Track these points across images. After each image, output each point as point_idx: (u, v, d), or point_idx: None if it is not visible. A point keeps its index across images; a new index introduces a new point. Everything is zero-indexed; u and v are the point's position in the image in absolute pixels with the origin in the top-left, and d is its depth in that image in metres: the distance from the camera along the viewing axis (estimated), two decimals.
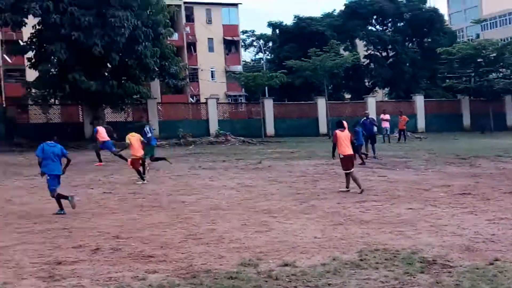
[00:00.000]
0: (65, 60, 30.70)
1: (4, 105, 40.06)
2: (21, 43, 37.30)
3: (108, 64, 33.51)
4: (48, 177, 11.51)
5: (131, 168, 16.52)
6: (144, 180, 15.99)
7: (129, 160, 16.69)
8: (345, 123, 14.67)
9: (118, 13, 29.98)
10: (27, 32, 35.52)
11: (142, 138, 16.74)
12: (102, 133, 22.23)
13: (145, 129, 18.51)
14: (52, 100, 35.93)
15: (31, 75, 38.42)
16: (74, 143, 30.18)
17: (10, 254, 8.06)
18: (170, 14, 35.54)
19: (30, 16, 31.17)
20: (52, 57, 31.50)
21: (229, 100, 57.37)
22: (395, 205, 11.85)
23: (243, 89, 55.53)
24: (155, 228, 9.80)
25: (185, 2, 57.84)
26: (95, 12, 30.33)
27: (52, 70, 32.90)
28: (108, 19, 29.99)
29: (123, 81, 33.26)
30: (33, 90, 34.53)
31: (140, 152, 16.23)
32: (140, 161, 16.51)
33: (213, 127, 38.11)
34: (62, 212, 11.29)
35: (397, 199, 12.57)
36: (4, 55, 50.74)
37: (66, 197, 11.43)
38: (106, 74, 33.97)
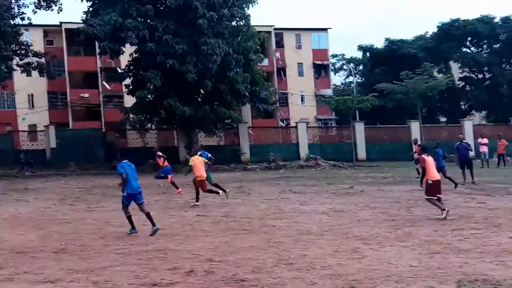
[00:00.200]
0: (160, 86, 31.79)
1: (104, 130, 42.14)
2: (119, 71, 39.09)
3: (201, 90, 34.37)
4: (126, 195, 11.73)
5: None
6: (197, 202, 16.33)
7: (197, 181, 16.59)
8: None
9: (211, 40, 30.81)
10: (124, 60, 37.29)
11: (206, 160, 16.96)
12: (163, 159, 22.55)
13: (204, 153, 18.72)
14: (149, 125, 37.27)
15: (129, 101, 40.14)
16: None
17: (108, 275, 8.30)
18: (260, 41, 36.11)
19: (127, 45, 32.62)
20: (148, 84, 32.70)
21: (319, 123, 57.19)
22: (495, 233, 11.18)
23: (333, 113, 55.18)
24: (247, 252, 9.79)
25: (275, 28, 58.63)
26: (189, 40, 31.30)
27: (148, 96, 34.13)
28: (201, 46, 30.86)
29: (215, 106, 33.98)
30: (131, 116, 36.06)
31: (204, 174, 16.39)
32: (207, 184, 16.66)
33: (303, 151, 38.04)
34: (134, 232, 11.69)
35: (498, 227, 11.86)
36: (104, 82, 53.53)
37: (131, 221, 11.78)
38: (199, 99, 34.87)
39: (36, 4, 35.16)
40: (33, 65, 36.67)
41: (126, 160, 11.87)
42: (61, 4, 35.67)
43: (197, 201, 16.43)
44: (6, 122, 49.63)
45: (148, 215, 11.72)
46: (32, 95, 55.08)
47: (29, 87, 53.02)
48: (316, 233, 11.66)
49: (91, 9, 33.34)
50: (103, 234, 11.94)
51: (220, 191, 16.84)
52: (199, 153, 17.97)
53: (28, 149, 37.02)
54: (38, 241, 11.27)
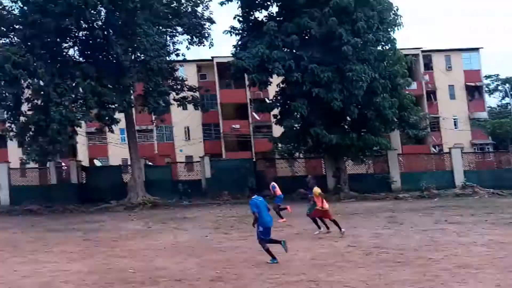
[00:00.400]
0: (307, 115, 32.07)
1: (254, 159, 43.36)
2: (267, 101, 40.06)
3: (347, 117, 34.13)
4: (262, 229, 11.99)
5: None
6: (321, 228, 16.46)
7: (315, 211, 16.67)
8: None
9: (356, 67, 30.59)
10: (272, 90, 38.27)
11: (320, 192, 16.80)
12: (278, 188, 22.32)
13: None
14: (297, 153, 37.66)
15: (277, 130, 40.98)
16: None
17: None
18: (407, 64, 35.14)
19: (275, 75, 33.45)
20: (295, 113, 33.11)
21: (474, 149, 53.93)
22: None
23: (489, 137, 51.90)
24: (401, 285, 9.44)
25: (422, 51, 56.79)
26: (334, 67, 31.31)
27: (296, 125, 34.54)
28: (346, 73, 30.75)
29: (362, 133, 33.52)
30: (279, 145, 36.74)
31: (326, 205, 16.43)
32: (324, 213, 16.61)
33: (459, 178, 35.96)
34: (275, 262, 11.80)
35: None
36: (253, 113, 55.34)
37: (278, 242, 12.01)
38: (346, 127, 34.63)
39: (189, 41, 37.49)
40: (188, 99, 38.96)
41: (257, 195, 12.40)
42: (212, 39, 37.72)
43: (319, 227, 16.52)
44: (166, 154, 53.19)
45: (267, 250, 12.00)
46: (188, 127, 58.47)
47: (185, 120, 56.41)
48: (476, 266, 10.95)
49: (239, 42, 34.83)
50: (256, 263, 12.17)
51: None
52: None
53: (185, 179, 39.11)
54: (195, 269, 11.80)
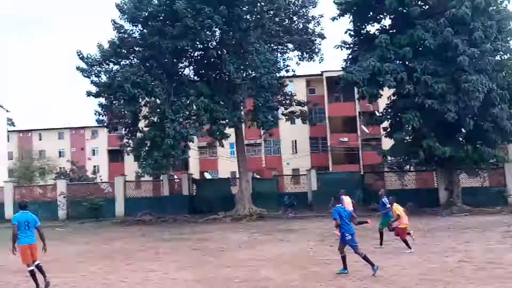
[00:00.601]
0: (418, 127, 31.22)
1: (362, 173, 42.76)
2: (377, 114, 39.39)
3: (462, 129, 32.75)
4: (350, 236, 12.11)
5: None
6: (411, 248, 15.64)
7: (397, 229, 16.21)
8: None
9: (472, 77, 29.32)
10: (382, 103, 37.63)
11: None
12: (346, 203, 21.39)
13: (383, 199, 17.79)
14: (407, 166, 36.76)
15: (387, 143, 40.19)
16: (428, 208, 31.23)
17: None
18: None
19: (385, 88, 32.87)
20: (407, 125, 32.34)
21: None
22: None
23: None
24: None
25: None
26: (448, 78, 30.26)
27: (407, 137, 33.74)
28: (461, 84, 29.57)
29: (477, 146, 32.01)
30: (389, 158, 35.98)
31: (407, 221, 16.07)
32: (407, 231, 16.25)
33: None
34: (346, 272, 12.06)
35: None
36: (362, 126, 54.67)
37: (372, 264, 11.89)
38: (460, 139, 33.23)
39: (300, 57, 37.93)
40: (296, 113, 39.25)
41: (340, 205, 12.82)
42: (322, 54, 37.87)
43: (409, 247, 15.82)
44: (273, 167, 53.86)
45: (365, 258, 12.04)
46: (295, 141, 58.96)
47: (293, 134, 56.94)
48: None
49: (350, 56, 34.75)
50: (362, 277, 11.99)
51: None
52: (384, 198, 17.93)
53: (291, 192, 39.34)
54: (300, 281, 11.84)
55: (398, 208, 16.19)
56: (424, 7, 32.87)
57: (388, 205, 18.14)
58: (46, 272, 11.49)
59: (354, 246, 12.18)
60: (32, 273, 11.42)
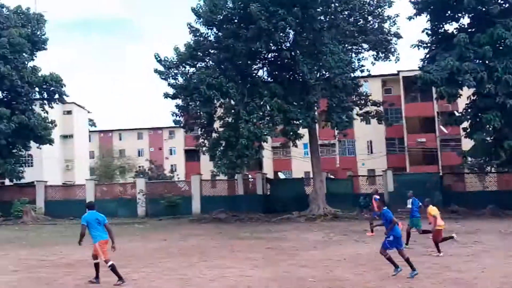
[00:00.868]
0: (500, 127, 30.19)
1: (440, 174, 41.66)
2: (457, 114, 38.32)
3: None
4: (392, 239, 12.08)
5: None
6: (440, 252, 15.40)
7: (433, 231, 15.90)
8: None
9: None
10: (461, 103, 36.54)
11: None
12: (374, 203, 20.59)
13: (411, 200, 17.67)
14: (488, 168, 35.58)
15: (467, 144, 39.01)
16: (510, 211, 30.15)
17: None
18: None
19: (465, 88, 31.95)
20: (487, 126, 31.37)
21: None
22: None
23: None
24: None
25: None
26: None
27: (487, 138, 32.70)
28: None
29: None
30: (469, 159, 34.93)
31: (442, 222, 15.76)
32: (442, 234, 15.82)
33: None
34: (399, 270, 11.96)
35: None
36: (441, 126, 53.22)
37: (396, 265, 12.03)
38: None
39: (375, 56, 37.41)
40: (371, 114, 38.75)
41: (387, 207, 12.98)
42: (398, 54, 37.19)
43: (439, 251, 15.52)
44: (347, 167, 53.39)
45: (407, 261, 12.02)
46: (371, 141, 58.16)
47: (368, 134, 56.19)
48: None
49: (427, 55, 34.14)
50: (442, 279, 11.78)
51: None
52: (410, 200, 18.17)
53: (367, 193, 38.76)
54: (375, 282, 11.75)
55: (433, 210, 15.87)
56: (504, 5, 31.97)
57: (409, 206, 18.01)
58: (126, 266, 11.97)
59: (387, 247, 12.24)
60: (97, 267, 12.23)
